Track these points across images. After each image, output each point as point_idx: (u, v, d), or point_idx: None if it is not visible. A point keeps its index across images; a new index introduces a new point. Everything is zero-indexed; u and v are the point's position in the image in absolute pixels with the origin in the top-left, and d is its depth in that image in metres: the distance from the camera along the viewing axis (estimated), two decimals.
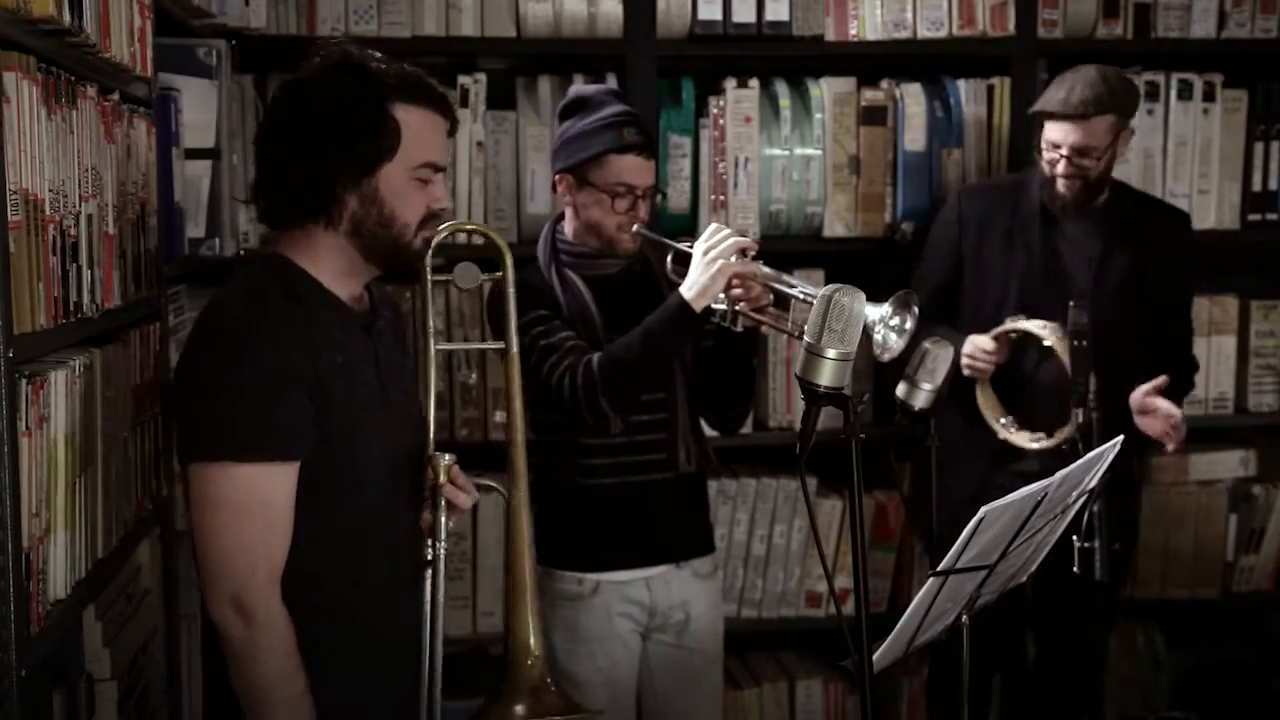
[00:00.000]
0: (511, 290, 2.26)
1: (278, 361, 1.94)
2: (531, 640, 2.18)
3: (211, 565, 1.97)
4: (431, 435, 2.17)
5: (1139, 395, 3.07)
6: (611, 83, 3.43)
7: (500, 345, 2.27)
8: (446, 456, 2.12)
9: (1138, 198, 3.36)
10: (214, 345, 1.99)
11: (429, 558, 2.11)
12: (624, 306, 2.68)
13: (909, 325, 2.38)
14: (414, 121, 2.02)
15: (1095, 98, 3.05)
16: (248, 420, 1.93)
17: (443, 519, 2.10)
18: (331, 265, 2.06)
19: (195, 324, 2.08)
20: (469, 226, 2.41)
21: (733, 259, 2.55)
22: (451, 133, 2.11)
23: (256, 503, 1.95)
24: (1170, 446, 3.12)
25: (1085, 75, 3.08)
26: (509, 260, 2.27)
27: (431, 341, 2.22)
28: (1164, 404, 3.06)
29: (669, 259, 2.75)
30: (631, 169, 2.71)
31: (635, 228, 2.72)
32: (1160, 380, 3.05)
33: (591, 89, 2.85)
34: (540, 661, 2.18)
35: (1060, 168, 3.11)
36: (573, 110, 2.78)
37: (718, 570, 3.01)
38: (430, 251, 2.15)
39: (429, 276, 2.19)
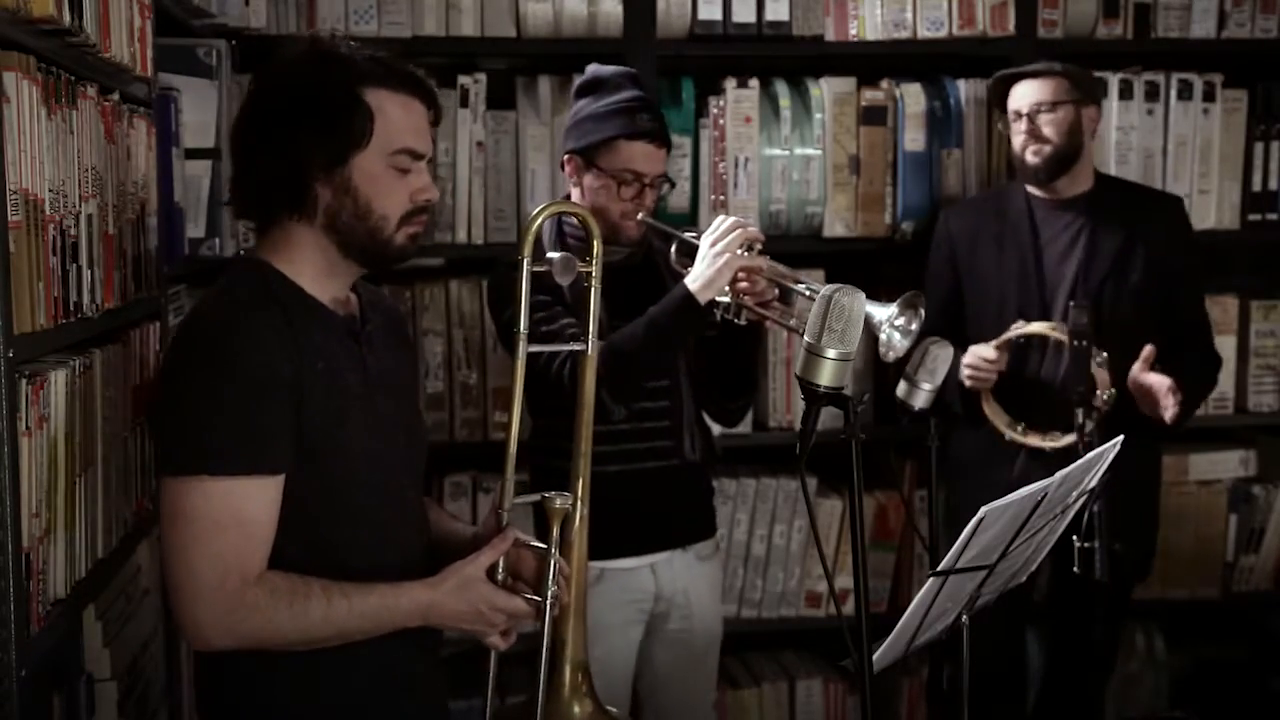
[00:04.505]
0: (598, 284, 2.18)
1: (257, 367, 1.83)
2: (582, 653, 2.16)
3: (177, 581, 1.85)
4: (512, 460, 2.03)
5: (1133, 380, 2.99)
6: None
7: (582, 347, 2.20)
8: (560, 499, 2.05)
9: (1124, 186, 3.36)
10: (190, 354, 1.89)
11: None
12: (626, 295, 2.64)
13: (914, 326, 2.41)
14: (389, 106, 1.92)
15: (1053, 66, 3.19)
16: (223, 432, 1.82)
17: (554, 566, 2.04)
18: (312, 265, 1.95)
19: (174, 334, 1.99)
20: (572, 209, 2.40)
21: (740, 252, 2.54)
22: (435, 121, 2.01)
23: (230, 517, 1.83)
24: (1169, 414, 2.97)
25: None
26: (598, 249, 2.19)
27: (522, 344, 2.07)
28: (1153, 378, 2.97)
29: (673, 249, 2.74)
30: (641, 156, 2.69)
31: (640, 216, 2.71)
32: (1147, 351, 2.97)
33: (609, 70, 2.79)
34: (586, 672, 2.16)
35: (1025, 131, 3.17)
36: (588, 90, 2.76)
37: (719, 549, 3.01)
38: (530, 245, 2.06)
39: (526, 269, 2.07)
